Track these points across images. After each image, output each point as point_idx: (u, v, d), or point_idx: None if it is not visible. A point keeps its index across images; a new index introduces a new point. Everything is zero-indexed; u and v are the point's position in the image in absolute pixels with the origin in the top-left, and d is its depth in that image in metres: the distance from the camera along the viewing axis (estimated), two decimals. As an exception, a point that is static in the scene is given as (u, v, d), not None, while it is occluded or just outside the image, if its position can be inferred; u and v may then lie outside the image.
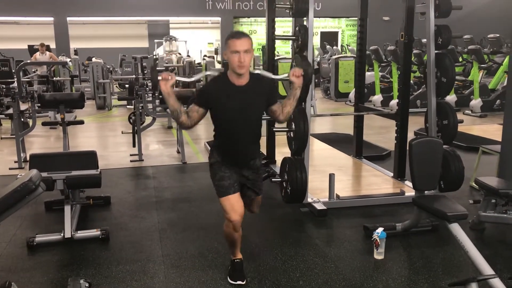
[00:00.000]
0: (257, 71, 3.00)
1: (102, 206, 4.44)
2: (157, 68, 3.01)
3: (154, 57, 14.76)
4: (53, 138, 7.85)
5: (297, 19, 4.42)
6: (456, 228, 3.04)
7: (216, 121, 2.88)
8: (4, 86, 8.56)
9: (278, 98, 2.97)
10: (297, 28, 4.21)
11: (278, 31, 5.85)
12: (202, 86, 2.92)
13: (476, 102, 9.44)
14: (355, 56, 6.78)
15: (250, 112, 2.84)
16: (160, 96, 6.37)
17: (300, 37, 4.11)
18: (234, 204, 2.87)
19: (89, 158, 3.78)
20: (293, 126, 4.15)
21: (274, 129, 3.50)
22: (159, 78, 2.76)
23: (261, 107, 2.91)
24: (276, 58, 11.14)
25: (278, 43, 15.81)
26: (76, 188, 3.70)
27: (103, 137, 8.23)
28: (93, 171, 3.57)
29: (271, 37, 5.16)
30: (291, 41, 4.55)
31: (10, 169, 5.73)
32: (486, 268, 2.76)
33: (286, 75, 2.95)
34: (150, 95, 6.43)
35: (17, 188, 2.33)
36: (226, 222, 2.91)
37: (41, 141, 7.75)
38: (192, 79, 3.20)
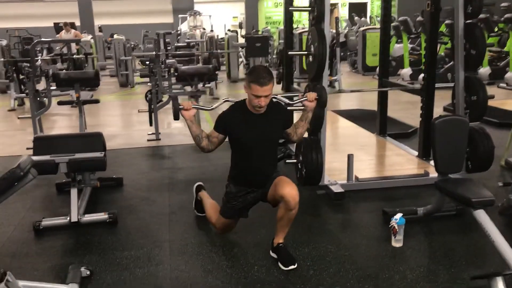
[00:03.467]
0: (272, 96, 2.98)
1: (114, 188, 4.34)
2: (177, 98, 3.01)
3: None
4: (75, 117, 7.82)
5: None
6: (481, 215, 2.80)
7: (235, 147, 3.02)
8: (28, 64, 8.55)
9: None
10: (313, -1, 3.94)
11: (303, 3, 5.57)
12: (222, 114, 3.01)
13: (512, 74, 8.92)
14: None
15: (268, 138, 2.99)
16: (176, 74, 6.21)
17: (316, 8, 3.84)
18: (230, 226, 3.18)
19: (94, 140, 3.66)
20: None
21: (289, 108, 3.35)
22: (181, 107, 2.95)
23: (278, 133, 3.07)
24: (300, 31, 10.85)
25: (304, 15, 15.41)
26: (80, 171, 3.59)
27: (123, 116, 8.16)
28: (98, 153, 3.44)
29: (288, 9, 4.88)
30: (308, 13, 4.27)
31: (27, 149, 5.70)
32: (513, 261, 2.53)
33: (301, 99, 3.12)
34: (166, 72, 6.25)
35: (4, 175, 2.21)
36: (214, 226, 3.26)
37: (62, 120, 7.74)
38: (211, 108, 3.34)
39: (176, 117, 3.03)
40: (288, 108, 3.32)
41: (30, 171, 2.33)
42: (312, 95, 3.09)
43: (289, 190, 2.81)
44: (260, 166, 2.99)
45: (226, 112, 3.00)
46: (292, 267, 2.85)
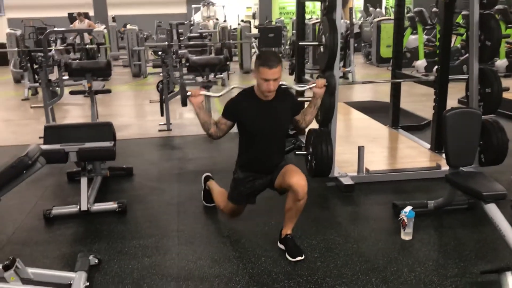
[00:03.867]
0: (282, 83, 3.03)
1: (124, 177, 4.37)
2: (184, 86, 2.99)
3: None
4: (87, 107, 7.86)
5: (325, -21, 4.08)
6: (492, 209, 2.75)
7: (243, 134, 3.01)
8: (39, 54, 8.62)
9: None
10: (324, -11, 3.88)
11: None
12: (230, 100, 2.98)
13: (529, 66, 8.76)
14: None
15: (277, 125, 2.96)
16: (187, 64, 6.20)
17: (327, -2, 3.79)
18: (238, 211, 3.18)
19: (104, 130, 3.67)
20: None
21: (299, 99, 3.35)
22: (188, 93, 2.93)
23: (286, 120, 3.04)
24: (314, 22, 10.75)
25: (318, 6, 15.26)
26: (89, 160, 3.61)
27: (135, 106, 8.19)
28: (107, 143, 3.45)
29: (299, -1, 4.84)
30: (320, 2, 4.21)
31: (40, 137, 5.75)
32: (524, 256, 2.48)
33: (310, 85, 3.13)
34: (177, 62, 6.25)
35: (13, 163, 2.23)
36: (222, 211, 3.29)
37: (74, 109, 7.79)
38: (219, 94, 3.29)
39: (184, 103, 3.01)
40: (299, 99, 3.31)
41: (39, 160, 2.35)
42: (321, 81, 3.09)
43: (297, 179, 2.79)
44: (268, 153, 2.98)
45: (235, 98, 2.97)
46: (299, 258, 2.84)
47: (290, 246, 2.91)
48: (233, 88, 3.28)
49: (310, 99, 3.15)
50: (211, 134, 2.97)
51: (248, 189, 3.05)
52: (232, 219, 3.28)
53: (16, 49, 9.54)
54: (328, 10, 3.80)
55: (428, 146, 4.74)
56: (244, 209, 3.20)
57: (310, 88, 3.15)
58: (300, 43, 4.80)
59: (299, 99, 3.39)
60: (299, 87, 3.37)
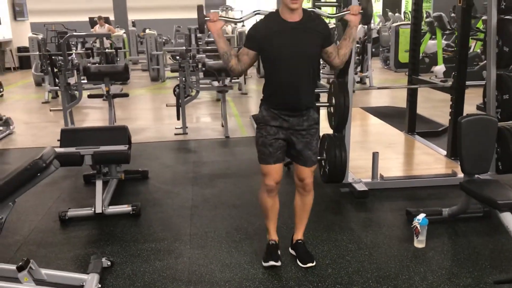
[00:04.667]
0: (311, 9, 2.79)
1: (139, 180, 4.41)
2: (202, 8, 2.82)
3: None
4: (105, 110, 7.96)
5: (341, -16, 4.07)
6: (507, 218, 2.72)
7: (267, 63, 2.69)
8: (60, 58, 8.77)
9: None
10: (339, -6, 3.87)
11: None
12: (253, 26, 2.71)
13: (551, 72, 8.58)
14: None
15: (304, 49, 2.62)
16: (204, 69, 6.24)
17: (343, 3, 3.78)
18: (271, 171, 2.74)
19: (120, 133, 3.71)
20: (333, 101, 3.86)
21: (332, 15, 3.12)
22: (206, 19, 2.66)
23: (315, 46, 2.66)
24: (331, 26, 10.72)
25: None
26: (104, 163, 3.65)
27: (153, 109, 8.27)
28: (122, 146, 3.50)
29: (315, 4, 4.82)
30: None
31: (58, 140, 5.84)
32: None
33: (345, 12, 2.77)
34: (193, 67, 6.29)
35: (27, 166, 2.28)
36: (262, 185, 2.81)
37: (93, 112, 7.90)
38: (241, 19, 3.01)
39: (201, 30, 2.77)
40: (329, 15, 3.00)
41: (53, 163, 2.40)
42: (356, 7, 2.74)
43: (306, 174, 2.79)
44: (294, 82, 2.63)
45: (258, 22, 2.70)
46: (310, 264, 2.83)
47: (301, 252, 2.90)
48: (255, 13, 2.93)
49: (327, 104, 3.05)
50: (232, 67, 2.69)
51: (271, 136, 2.69)
52: (270, 186, 2.76)
53: (37, 53, 9.71)
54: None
55: (445, 152, 4.69)
56: (281, 176, 2.80)
57: (344, 15, 2.80)
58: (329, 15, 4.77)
59: (332, 14, 3.05)
60: (331, 14, 3.05)
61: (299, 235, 2.96)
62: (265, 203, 2.86)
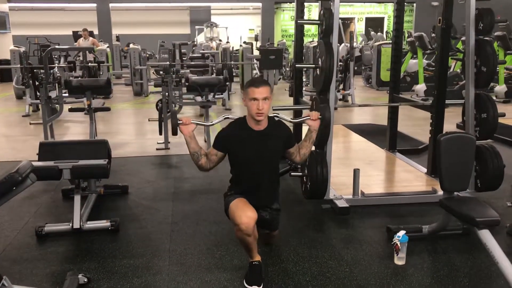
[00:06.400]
0: (274, 115, 3.06)
1: (119, 196, 4.35)
2: (176, 114, 2.98)
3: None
4: (87, 124, 7.88)
5: (323, 2, 4.13)
6: (486, 236, 2.73)
7: (234, 165, 2.93)
8: (41, 71, 8.69)
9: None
10: (321, 12, 3.92)
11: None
12: (221, 131, 2.94)
13: (529, 93, 8.78)
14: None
15: (269, 156, 2.88)
16: (187, 84, 6.24)
17: (325, 21, 3.82)
18: (243, 206, 2.75)
19: (99, 147, 3.67)
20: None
21: (293, 120, 3.34)
22: (180, 122, 2.88)
23: (279, 151, 2.95)
24: (315, 44, 10.83)
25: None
26: (83, 177, 3.60)
27: (135, 124, 8.21)
28: (101, 161, 3.45)
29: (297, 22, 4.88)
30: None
31: (37, 154, 5.76)
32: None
33: (304, 118, 3.08)
34: (176, 82, 6.29)
35: (2, 179, 2.22)
36: (236, 227, 2.72)
37: (74, 126, 7.81)
38: (210, 123, 3.28)
39: (174, 132, 2.96)
40: (291, 121, 3.30)
41: (29, 176, 2.34)
42: (315, 114, 3.03)
43: (273, 233, 3.18)
44: (260, 184, 2.89)
45: (226, 128, 2.93)
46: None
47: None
48: (225, 118, 3.18)
49: (304, 119, 3.13)
50: (201, 166, 2.89)
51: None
52: (245, 224, 2.65)
53: (19, 65, 9.62)
54: (325, 34, 3.84)
55: (425, 170, 4.73)
56: (256, 214, 2.74)
57: (304, 121, 3.09)
58: (297, 65, 4.83)
59: (294, 120, 3.39)
60: (293, 120, 3.36)
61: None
62: (245, 241, 2.74)
